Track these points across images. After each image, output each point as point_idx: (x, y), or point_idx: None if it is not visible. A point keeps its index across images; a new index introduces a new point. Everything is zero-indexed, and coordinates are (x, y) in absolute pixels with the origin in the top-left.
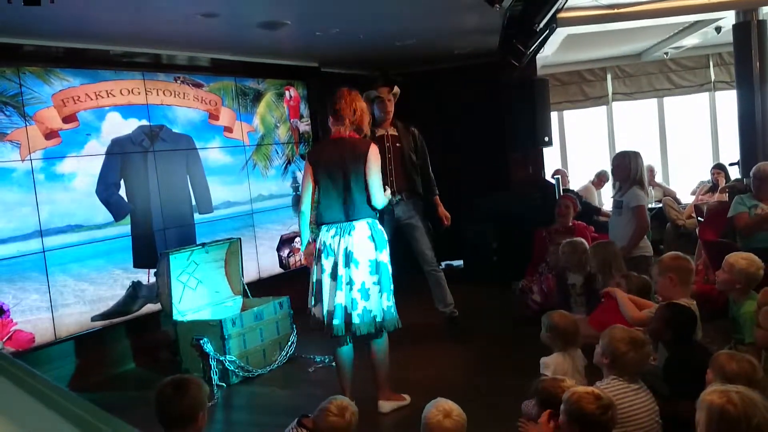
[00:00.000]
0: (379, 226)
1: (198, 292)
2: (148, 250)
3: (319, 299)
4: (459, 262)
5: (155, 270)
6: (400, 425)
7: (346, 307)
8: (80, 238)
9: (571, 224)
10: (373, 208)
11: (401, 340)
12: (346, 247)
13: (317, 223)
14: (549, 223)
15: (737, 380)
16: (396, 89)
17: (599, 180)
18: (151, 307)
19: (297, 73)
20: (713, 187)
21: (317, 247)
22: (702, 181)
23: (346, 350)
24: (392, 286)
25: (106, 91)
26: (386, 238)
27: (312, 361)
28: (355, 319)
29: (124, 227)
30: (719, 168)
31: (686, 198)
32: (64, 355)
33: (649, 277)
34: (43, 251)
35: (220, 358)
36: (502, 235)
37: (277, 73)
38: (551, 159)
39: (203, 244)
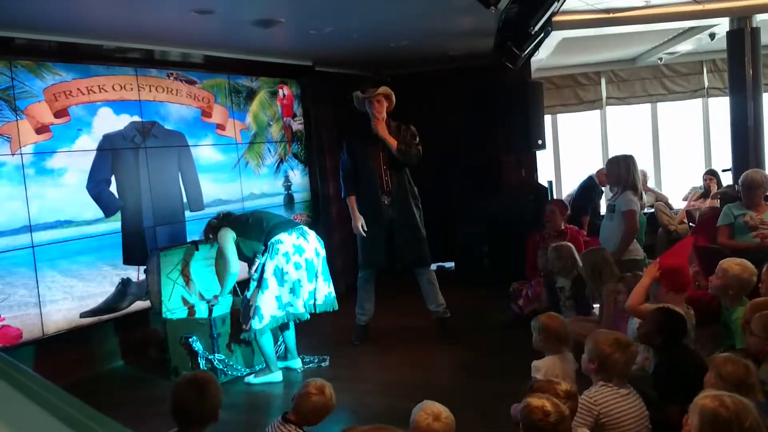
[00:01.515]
0: None
1: (187, 290)
2: (138, 246)
3: (294, 296)
4: (450, 264)
5: (145, 267)
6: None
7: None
8: (70, 234)
9: (563, 228)
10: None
11: (391, 342)
12: (313, 245)
13: (272, 236)
14: (542, 227)
15: (729, 380)
16: (384, 89)
17: None
18: (140, 305)
19: (291, 72)
20: (705, 193)
21: (281, 253)
22: (694, 187)
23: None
24: None
25: (98, 86)
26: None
27: (301, 360)
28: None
29: (115, 224)
30: (711, 174)
31: (678, 203)
32: (51, 351)
33: None
34: (32, 246)
35: (209, 357)
36: (494, 238)
37: (270, 71)
38: (544, 162)
39: (194, 242)
